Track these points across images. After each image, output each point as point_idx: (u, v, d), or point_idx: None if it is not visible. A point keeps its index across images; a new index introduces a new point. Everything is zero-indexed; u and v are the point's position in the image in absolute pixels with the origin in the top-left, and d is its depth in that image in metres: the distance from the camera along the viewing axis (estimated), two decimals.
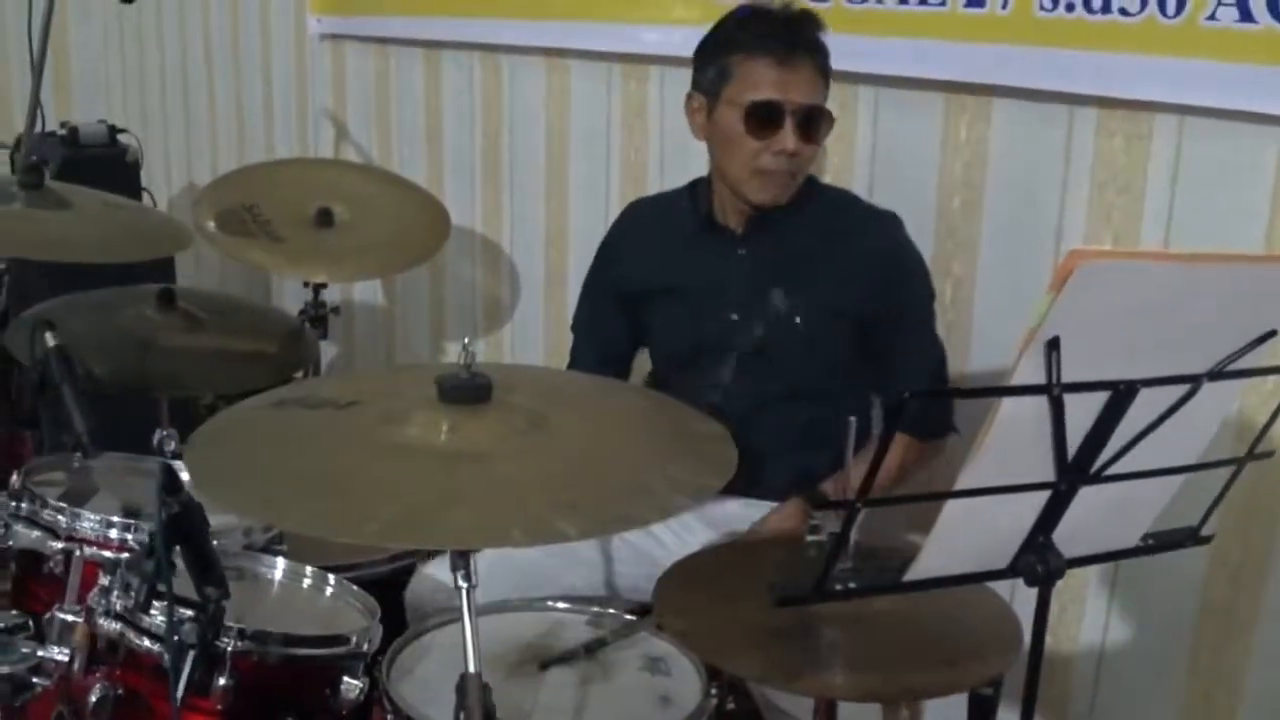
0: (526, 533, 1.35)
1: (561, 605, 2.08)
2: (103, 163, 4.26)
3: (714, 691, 1.80)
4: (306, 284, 3.11)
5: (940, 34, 2.44)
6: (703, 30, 2.36)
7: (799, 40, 2.20)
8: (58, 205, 2.52)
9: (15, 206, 2.47)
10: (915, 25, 2.48)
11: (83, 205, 2.58)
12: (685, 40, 2.81)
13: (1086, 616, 2.42)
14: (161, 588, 1.52)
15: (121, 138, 4.41)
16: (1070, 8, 2.24)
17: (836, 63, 2.30)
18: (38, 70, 2.95)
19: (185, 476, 1.59)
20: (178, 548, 1.52)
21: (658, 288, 2.42)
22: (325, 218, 3.09)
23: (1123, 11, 2.16)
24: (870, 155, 2.68)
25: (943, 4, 2.43)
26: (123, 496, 2.27)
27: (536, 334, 3.64)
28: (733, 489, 2.27)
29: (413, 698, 1.77)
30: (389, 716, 1.76)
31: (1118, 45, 2.18)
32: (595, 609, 2.08)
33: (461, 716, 1.42)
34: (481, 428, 1.55)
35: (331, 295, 3.24)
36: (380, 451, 1.53)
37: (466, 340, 1.50)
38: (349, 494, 1.44)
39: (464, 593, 1.42)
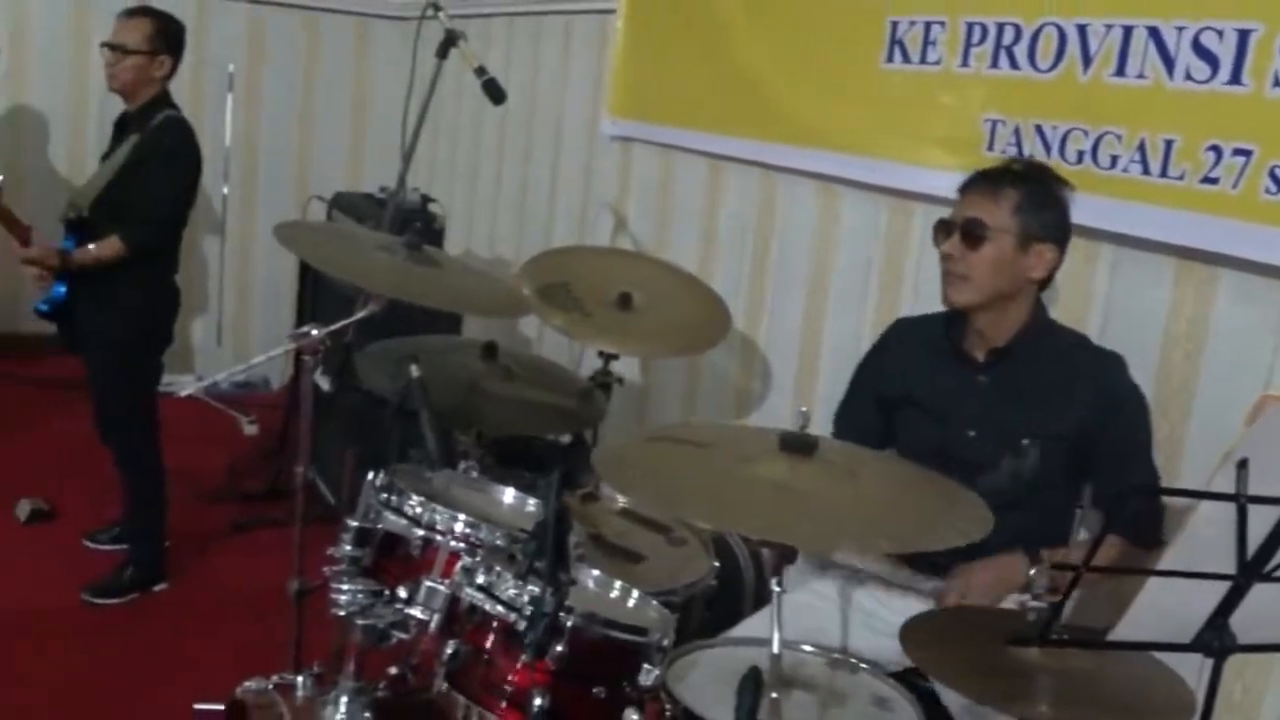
0: (856, 544, 1.82)
1: (807, 648, 2.47)
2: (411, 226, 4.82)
3: None
4: (601, 354, 3.62)
5: (1176, 204, 2.77)
6: (961, 177, 2.81)
7: (978, 178, 2.73)
8: (430, 264, 3.07)
9: (400, 260, 3.02)
10: (1155, 194, 2.81)
11: (449, 266, 3.14)
12: (946, 183, 3.24)
13: (1267, 699, 2.70)
14: (539, 565, 2.01)
15: (431, 206, 5.03)
16: None
17: (1084, 218, 2.76)
18: (407, 155, 3.56)
19: None
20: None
21: (909, 397, 2.85)
22: (626, 301, 3.61)
23: None
24: (1105, 303, 3.04)
25: (1180, 178, 2.76)
26: (461, 503, 2.70)
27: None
28: (954, 572, 2.70)
29: (683, 695, 2.22)
30: (667, 706, 2.21)
31: None
32: (835, 655, 2.47)
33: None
34: (812, 472, 2.04)
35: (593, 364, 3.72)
36: (741, 480, 2.03)
37: (804, 409, 2.01)
38: (726, 501, 1.95)
39: (776, 596, 1.90)
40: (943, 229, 2.74)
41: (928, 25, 3.40)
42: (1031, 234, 2.66)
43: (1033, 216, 2.66)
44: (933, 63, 3.41)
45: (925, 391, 2.83)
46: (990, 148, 3.21)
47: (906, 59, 3.50)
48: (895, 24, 3.52)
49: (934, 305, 2.82)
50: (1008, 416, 2.71)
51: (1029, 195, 2.67)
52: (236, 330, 7.05)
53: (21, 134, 6.64)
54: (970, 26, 3.27)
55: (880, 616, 2.75)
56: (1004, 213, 2.66)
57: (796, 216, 4.02)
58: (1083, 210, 2.78)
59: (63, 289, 4.18)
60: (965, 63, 3.30)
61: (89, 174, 4.55)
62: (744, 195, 4.27)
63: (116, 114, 4.41)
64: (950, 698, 2.41)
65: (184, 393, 5.67)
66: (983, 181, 2.72)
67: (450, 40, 3.67)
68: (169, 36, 4.26)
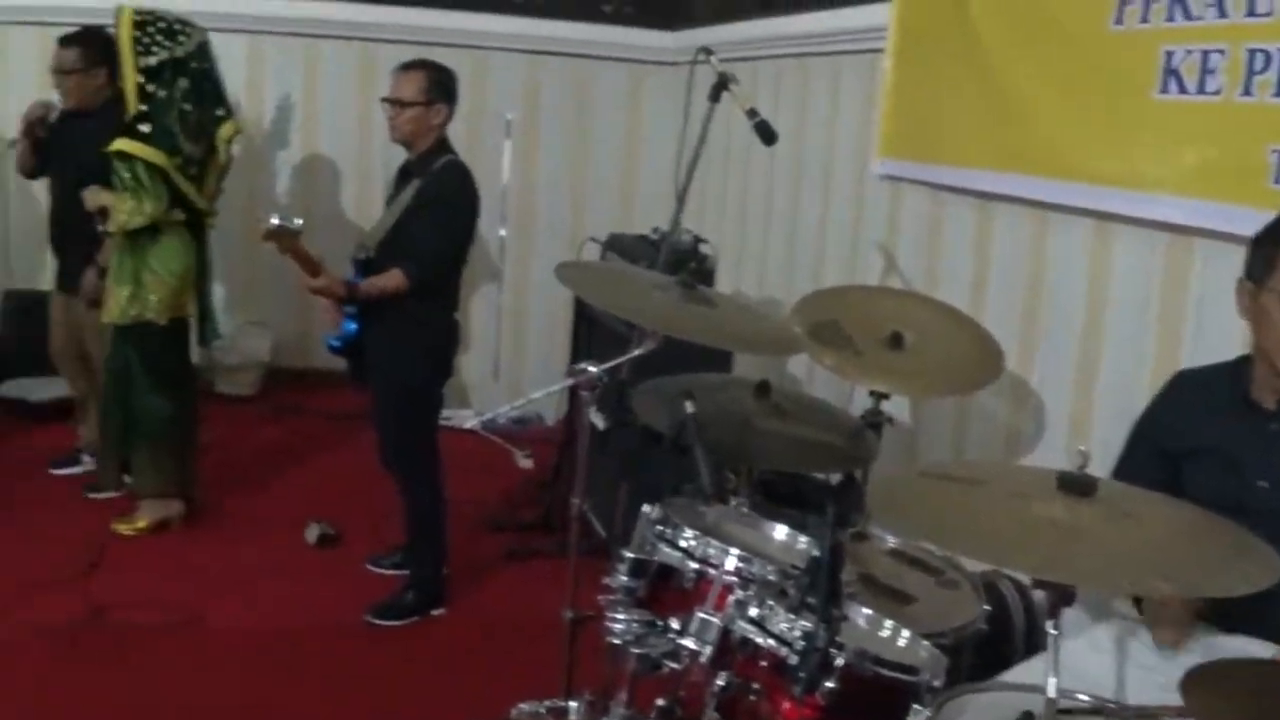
0: (1132, 583, 1.80)
1: (1081, 697, 2.40)
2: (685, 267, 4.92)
3: None
4: (871, 393, 3.62)
5: None
6: (1245, 210, 2.69)
7: None
8: (705, 303, 3.15)
9: (675, 299, 3.11)
10: None
11: (722, 305, 3.21)
12: (1228, 217, 3.14)
13: None
14: (812, 600, 2.04)
15: (702, 247, 5.13)
16: None
17: None
18: (681, 196, 3.67)
19: None
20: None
21: (1196, 448, 2.73)
22: (897, 340, 3.61)
23: None
24: None
25: None
26: (734, 538, 2.71)
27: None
28: (1236, 626, 2.59)
29: None
30: None
31: None
32: (1110, 705, 2.39)
33: None
34: (1090, 513, 2.02)
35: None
36: (1016, 518, 2.03)
37: (1082, 448, 1.99)
38: (1001, 539, 1.97)
39: (1053, 639, 1.88)
40: None
41: (1205, 54, 3.30)
42: None
43: None
44: (1211, 92, 3.29)
45: (1214, 442, 2.71)
46: (1278, 180, 3.10)
47: (1183, 89, 3.39)
48: (1170, 53, 3.42)
49: (1217, 343, 2.73)
50: None
51: None
52: (511, 368, 7.29)
53: (314, 181, 7.08)
54: (1252, 54, 3.15)
55: (1160, 670, 2.66)
56: None
57: (1069, 252, 3.94)
58: None
59: (353, 326, 4.42)
60: (1248, 92, 3.18)
61: (374, 218, 4.80)
62: (1014, 232, 4.21)
63: (399, 161, 4.65)
64: None
65: (466, 425, 5.95)
66: None
67: (722, 83, 3.77)
68: (442, 86, 4.48)
